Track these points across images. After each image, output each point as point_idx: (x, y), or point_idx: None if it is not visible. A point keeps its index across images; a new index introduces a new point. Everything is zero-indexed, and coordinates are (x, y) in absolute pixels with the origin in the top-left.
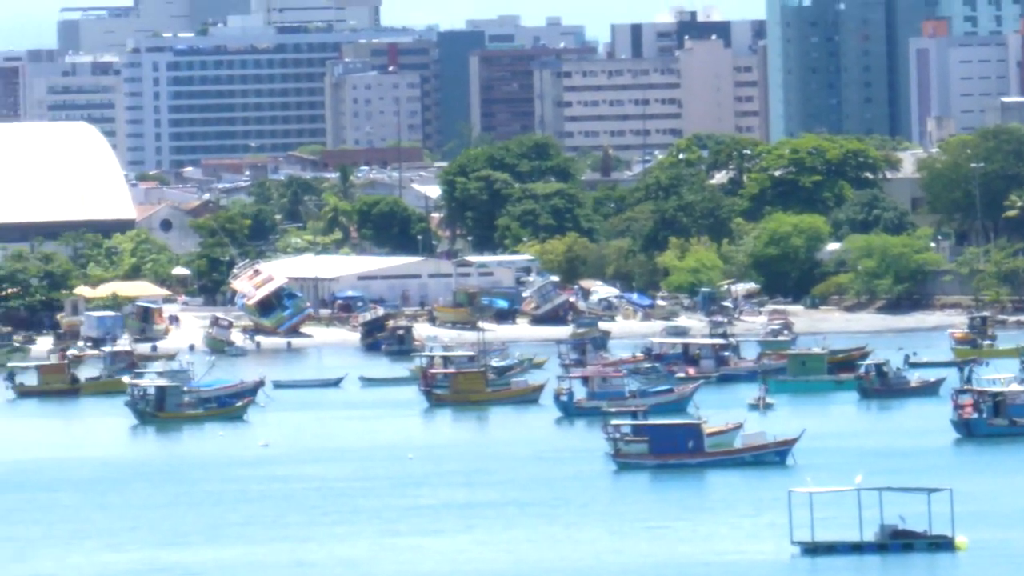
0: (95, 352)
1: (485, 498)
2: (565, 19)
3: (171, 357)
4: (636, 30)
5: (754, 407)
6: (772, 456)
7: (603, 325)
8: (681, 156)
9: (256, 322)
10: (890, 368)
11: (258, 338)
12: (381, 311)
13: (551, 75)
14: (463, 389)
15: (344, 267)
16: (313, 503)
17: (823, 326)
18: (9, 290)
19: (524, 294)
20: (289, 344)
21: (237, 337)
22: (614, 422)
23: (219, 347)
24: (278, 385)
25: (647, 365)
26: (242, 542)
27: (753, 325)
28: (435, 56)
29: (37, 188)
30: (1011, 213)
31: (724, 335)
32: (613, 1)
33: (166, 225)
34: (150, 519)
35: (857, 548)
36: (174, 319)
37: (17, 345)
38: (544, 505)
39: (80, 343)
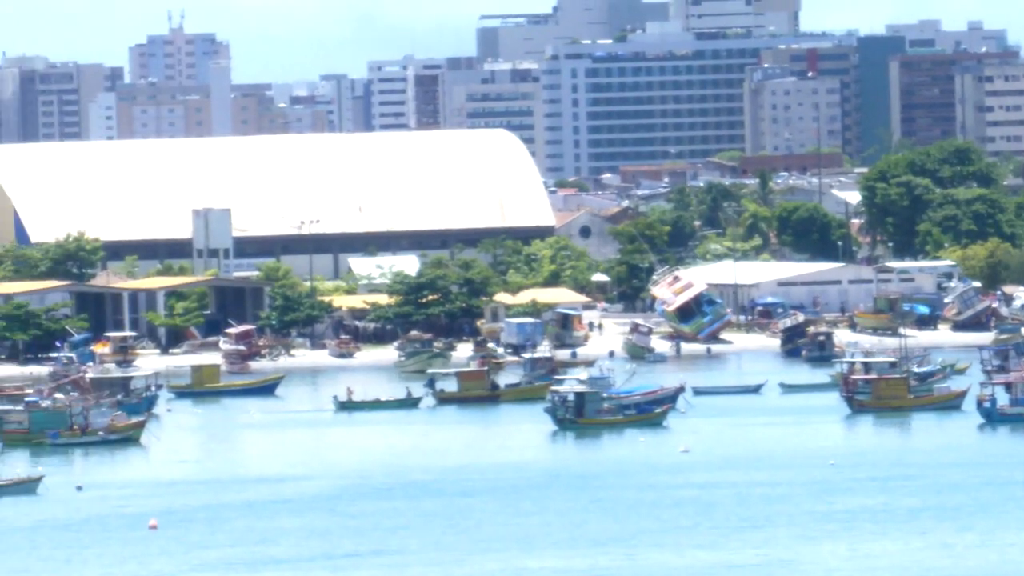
0: (515, 358)
1: (903, 504)
2: (987, 23)
3: (591, 363)
4: None
5: None
6: None
7: None
8: None
9: (676, 328)
10: None
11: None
12: (801, 317)
13: (972, 80)
14: (885, 395)
15: (764, 273)
16: (731, 509)
17: None
18: (429, 297)
19: (946, 300)
20: (709, 350)
21: (658, 344)
22: None
23: (639, 353)
24: (698, 391)
25: None
26: (658, 548)
27: None
28: (855, 61)
29: (456, 195)
30: None
31: None
32: None
33: (585, 232)
34: (566, 525)
35: None
36: (594, 325)
37: (438, 351)
38: (963, 511)
39: (500, 349)
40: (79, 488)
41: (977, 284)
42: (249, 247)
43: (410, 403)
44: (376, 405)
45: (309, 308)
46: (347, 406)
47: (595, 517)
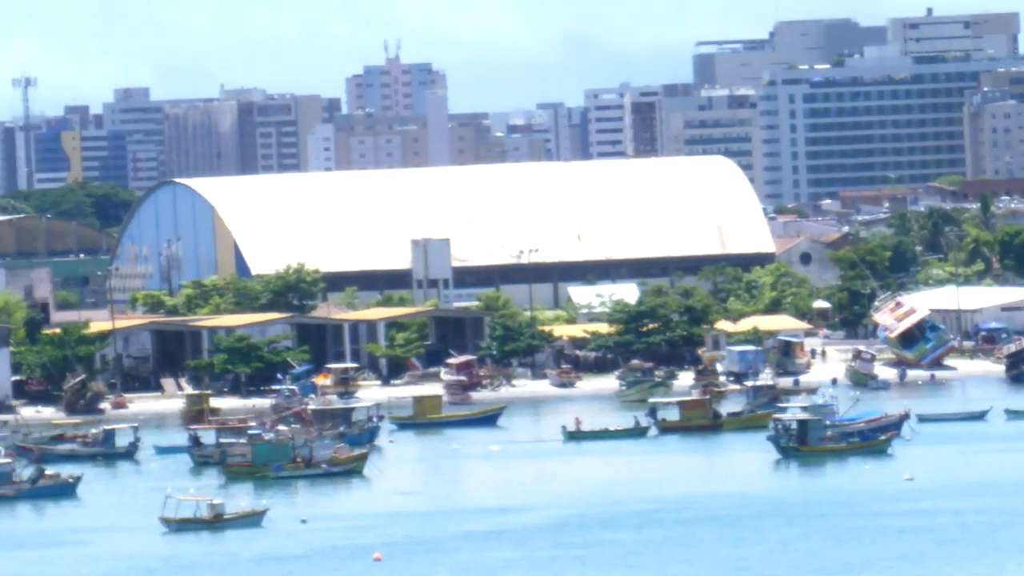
0: (737, 387)
1: None
2: None
3: (813, 391)
4: None
5: None
6: None
7: None
8: None
9: (898, 355)
10: None
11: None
12: None
13: None
14: None
15: (987, 298)
16: (957, 537)
17: None
18: (650, 325)
19: None
20: (932, 376)
21: (882, 371)
22: None
23: (862, 380)
24: (922, 418)
25: None
26: None
27: None
28: None
29: (675, 222)
30: None
31: None
32: None
33: (805, 258)
34: (789, 554)
35: None
36: (816, 352)
37: (659, 380)
38: None
39: (721, 378)
40: (303, 521)
41: None
42: (468, 277)
43: (638, 432)
44: (604, 435)
45: (529, 338)
46: (575, 436)
47: (819, 546)
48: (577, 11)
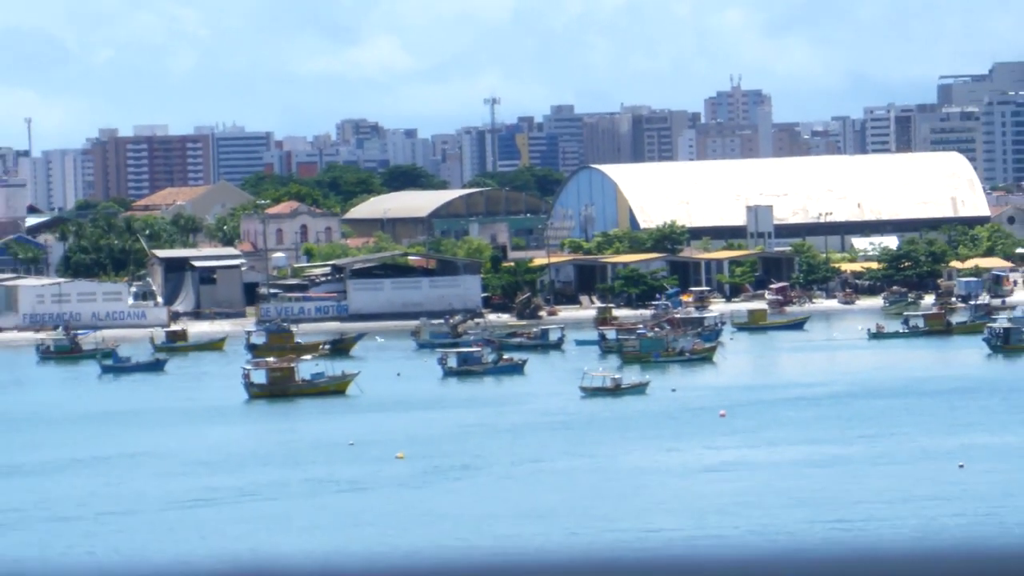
0: (963, 305)
1: None
2: None
3: (1014, 308)
4: None
5: None
6: None
7: None
8: None
9: None
10: None
11: None
12: None
13: None
14: None
15: None
16: None
17: None
18: (905, 264)
19: None
20: None
21: None
22: None
23: None
24: None
25: None
26: None
27: None
28: None
29: (924, 195)
30: None
31: None
32: None
33: (1011, 220)
34: (990, 415)
35: None
36: (1017, 283)
37: (911, 300)
38: None
39: (953, 299)
40: (673, 390)
41: None
42: (784, 231)
43: (912, 335)
44: (895, 335)
45: (824, 271)
46: (877, 335)
47: (1015, 407)
48: (856, 50)
